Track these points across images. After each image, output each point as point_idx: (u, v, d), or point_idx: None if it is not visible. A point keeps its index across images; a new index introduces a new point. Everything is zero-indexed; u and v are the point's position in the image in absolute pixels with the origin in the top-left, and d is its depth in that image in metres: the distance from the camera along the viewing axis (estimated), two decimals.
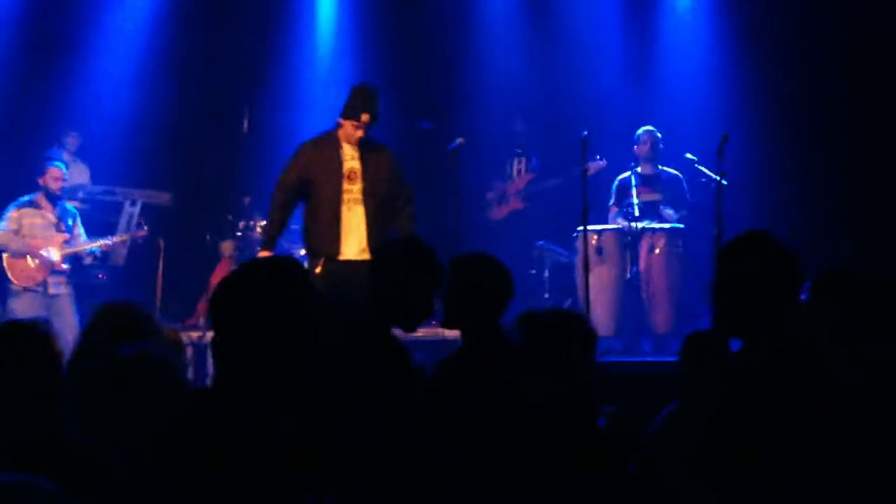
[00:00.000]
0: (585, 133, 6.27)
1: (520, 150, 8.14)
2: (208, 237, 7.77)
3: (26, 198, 6.88)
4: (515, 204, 8.02)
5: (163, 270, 6.96)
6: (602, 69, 8.22)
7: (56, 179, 6.78)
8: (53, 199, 6.84)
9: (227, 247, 7.53)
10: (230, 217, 7.62)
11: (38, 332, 2.44)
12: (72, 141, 7.62)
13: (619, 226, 6.84)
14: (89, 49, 8.06)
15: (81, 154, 7.69)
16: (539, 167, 8.09)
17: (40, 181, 6.81)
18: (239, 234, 7.55)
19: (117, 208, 7.44)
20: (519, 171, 8.07)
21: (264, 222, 7.60)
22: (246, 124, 8.02)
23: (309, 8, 8.55)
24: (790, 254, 2.48)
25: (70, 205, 7.06)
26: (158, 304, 6.72)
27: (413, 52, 8.43)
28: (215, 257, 7.52)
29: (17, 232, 6.77)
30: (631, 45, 8.35)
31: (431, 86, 8.41)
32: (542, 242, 7.49)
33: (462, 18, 8.50)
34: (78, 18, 8.06)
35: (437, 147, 6.88)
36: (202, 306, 6.90)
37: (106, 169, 7.04)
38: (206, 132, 8.25)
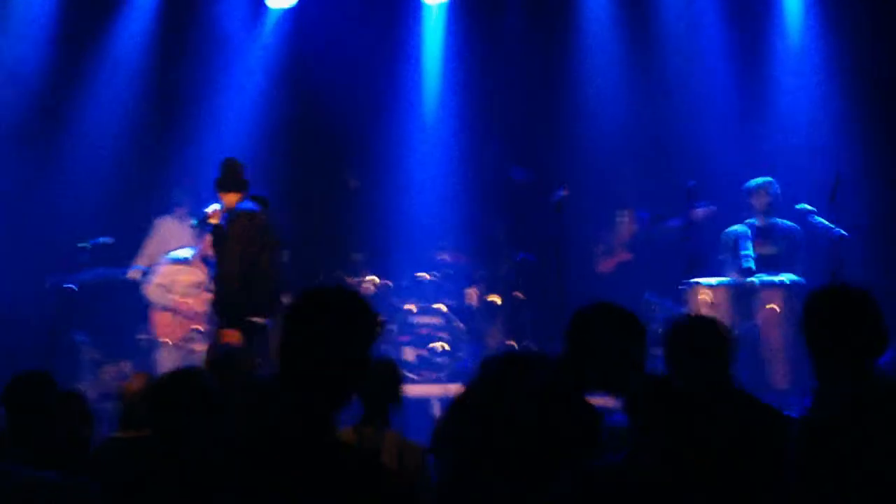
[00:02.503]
0: (692, 183, 6.18)
1: (625, 201, 8.06)
2: None
3: (181, 255, 7.20)
4: (622, 255, 7.93)
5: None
6: (711, 112, 8.05)
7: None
8: (207, 260, 7.10)
9: None
10: (341, 273, 7.79)
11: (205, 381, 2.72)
12: (179, 211, 7.96)
13: (734, 279, 6.68)
14: (204, 111, 8.44)
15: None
16: (646, 217, 7.99)
17: (198, 244, 7.12)
18: None
19: None
20: (625, 222, 7.97)
21: (373, 278, 7.81)
22: (355, 182, 8.23)
23: (415, 64, 8.72)
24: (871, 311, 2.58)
25: None
26: None
27: (514, 102, 8.47)
28: None
29: (165, 287, 7.09)
30: (743, 85, 8.15)
31: (534, 135, 8.44)
32: (649, 295, 7.37)
33: (564, 64, 8.49)
34: (191, 85, 8.47)
35: (540, 198, 6.88)
36: None
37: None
38: (318, 190, 8.50)
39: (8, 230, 7.74)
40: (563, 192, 6.44)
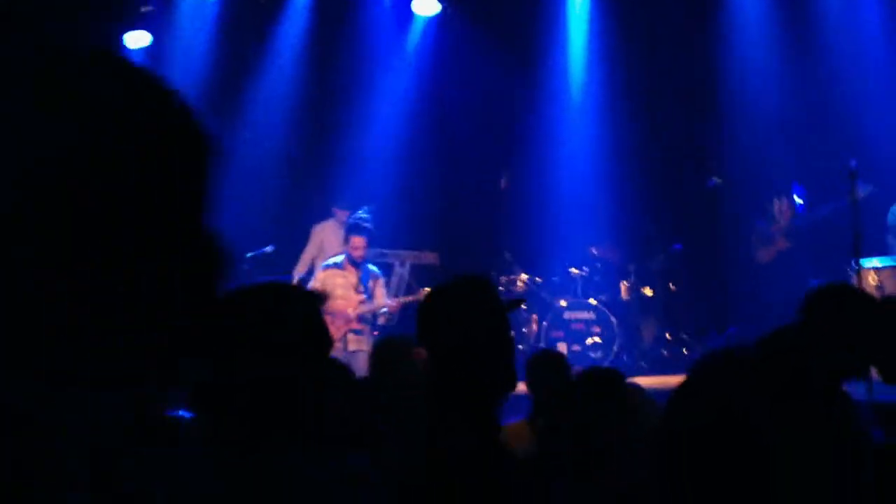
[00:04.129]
0: (854, 163, 5.92)
1: (782, 186, 7.77)
2: None
3: (333, 260, 7.47)
4: (781, 244, 7.66)
5: None
6: (871, 87, 7.66)
7: (356, 248, 7.26)
8: (356, 263, 7.35)
9: None
10: (493, 272, 7.89)
11: None
12: (340, 214, 8.24)
13: None
14: (355, 115, 8.70)
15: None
16: (804, 201, 7.68)
17: (345, 248, 7.37)
18: (501, 288, 7.79)
19: (388, 270, 7.94)
20: (781, 210, 7.69)
21: (525, 276, 7.86)
22: (504, 181, 8.31)
23: (562, 58, 8.71)
24: None
25: (373, 267, 7.52)
26: None
27: (663, 90, 8.31)
28: None
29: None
30: None
31: (685, 121, 8.27)
32: (815, 282, 7.08)
33: (714, 45, 8.24)
34: (342, 89, 8.75)
35: (692, 187, 6.74)
36: None
37: (377, 233, 7.53)
38: (467, 191, 8.62)
39: None
40: (717, 181, 6.29)
